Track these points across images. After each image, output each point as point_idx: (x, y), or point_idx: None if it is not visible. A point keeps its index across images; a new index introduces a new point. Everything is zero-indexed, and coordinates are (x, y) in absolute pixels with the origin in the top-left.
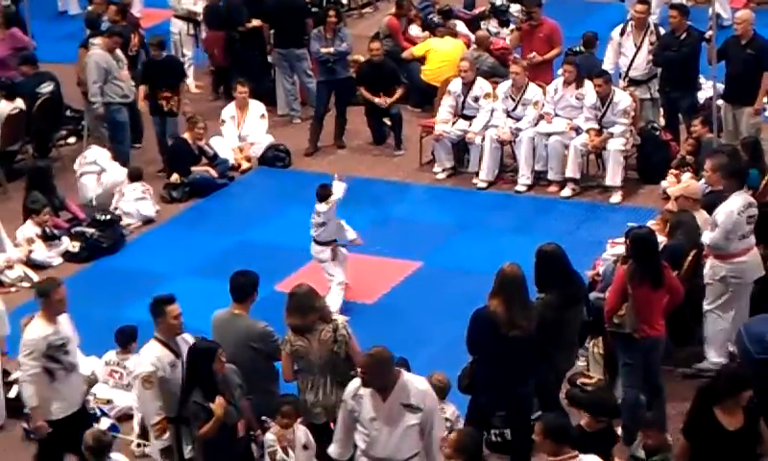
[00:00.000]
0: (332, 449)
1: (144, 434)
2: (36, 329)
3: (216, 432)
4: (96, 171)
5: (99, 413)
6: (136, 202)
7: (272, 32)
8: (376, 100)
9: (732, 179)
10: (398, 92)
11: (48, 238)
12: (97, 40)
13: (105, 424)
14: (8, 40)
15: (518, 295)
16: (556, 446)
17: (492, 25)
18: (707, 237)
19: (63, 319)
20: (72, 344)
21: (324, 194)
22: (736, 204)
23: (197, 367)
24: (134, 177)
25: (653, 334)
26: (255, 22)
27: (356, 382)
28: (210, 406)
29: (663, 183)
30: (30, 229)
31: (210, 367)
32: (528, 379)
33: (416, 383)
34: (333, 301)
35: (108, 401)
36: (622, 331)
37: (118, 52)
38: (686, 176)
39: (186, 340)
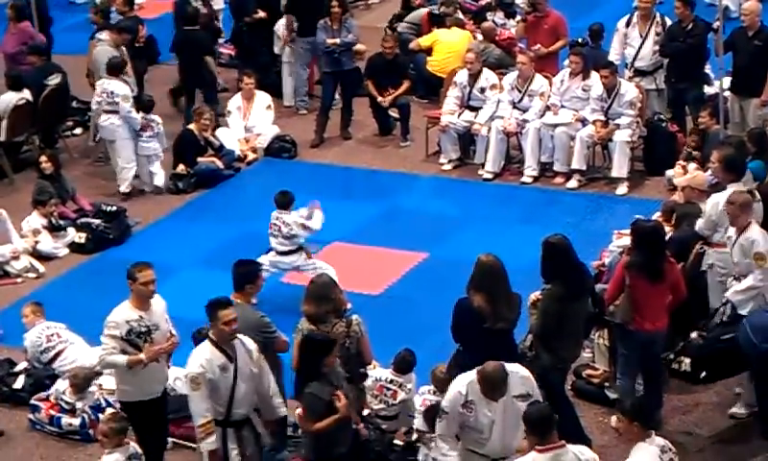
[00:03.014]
0: (442, 444)
1: None
2: (120, 312)
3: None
4: (115, 109)
5: (104, 403)
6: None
7: (295, 23)
8: (379, 99)
9: (728, 172)
10: (404, 86)
11: (54, 229)
12: (104, 35)
13: None
14: (18, 35)
15: (501, 287)
16: (538, 438)
17: (499, 16)
18: (697, 223)
19: (158, 307)
20: (158, 332)
21: (284, 201)
22: (724, 196)
23: (313, 359)
24: (146, 108)
25: (648, 328)
26: (262, 13)
27: (458, 388)
28: (333, 400)
29: (669, 173)
30: (36, 219)
31: (324, 360)
32: None
33: (519, 371)
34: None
35: (114, 392)
36: (616, 321)
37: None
38: (693, 166)
39: (244, 342)
